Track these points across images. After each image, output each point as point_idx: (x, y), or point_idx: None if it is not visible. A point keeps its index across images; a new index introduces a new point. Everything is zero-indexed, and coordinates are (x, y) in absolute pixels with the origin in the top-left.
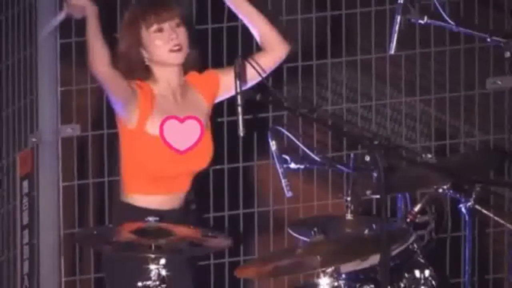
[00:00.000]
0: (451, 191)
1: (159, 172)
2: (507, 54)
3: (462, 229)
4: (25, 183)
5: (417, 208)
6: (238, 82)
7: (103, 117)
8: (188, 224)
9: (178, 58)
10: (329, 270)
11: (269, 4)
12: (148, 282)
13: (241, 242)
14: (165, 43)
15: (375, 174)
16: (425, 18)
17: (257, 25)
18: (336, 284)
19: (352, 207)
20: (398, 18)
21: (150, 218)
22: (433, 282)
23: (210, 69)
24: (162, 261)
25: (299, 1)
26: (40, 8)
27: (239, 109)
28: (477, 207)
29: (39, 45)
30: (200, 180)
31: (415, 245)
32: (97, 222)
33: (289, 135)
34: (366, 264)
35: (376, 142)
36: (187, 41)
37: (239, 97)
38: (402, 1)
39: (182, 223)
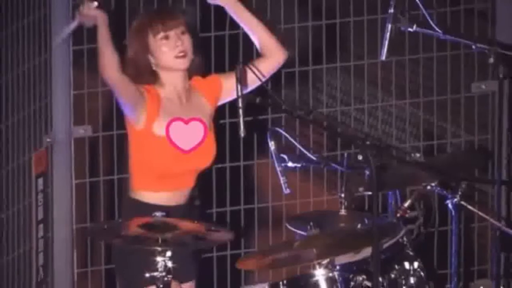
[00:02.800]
0: (438, 188)
1: (165, 170)
2: (491, 60)
3: (448, 224)
4: (40, 181)
5: (406, 204)
6: (239, 86)
7: (113, 119)
8: (192, 219)
9: (183, 63)
10: (325, 262)
11: (268, 13)
12: (155, 273)
13: (242, 236)
14: (171, 50)
15: (367, 172)
16: (414, 26)
17: (257, 33)
18: (330, 275)
19: (345, 203)
20: (389, 26)
21: (157, 213)
22: (422, 273)
23: (213, 74)
24: (168, 253)
25: (296, 11)
26: (54, 17)
27: (240, 111)
28: (463, 203)
29: (53, 51)
30: (203, 178)
31: (404, 239)
32: (107, 217)
33: (287, 135)
34: (359, 256)
35: (368, 142)
36: (191, 48)
37: (240, 100)
38: (392, 11)
39: (187, 218)
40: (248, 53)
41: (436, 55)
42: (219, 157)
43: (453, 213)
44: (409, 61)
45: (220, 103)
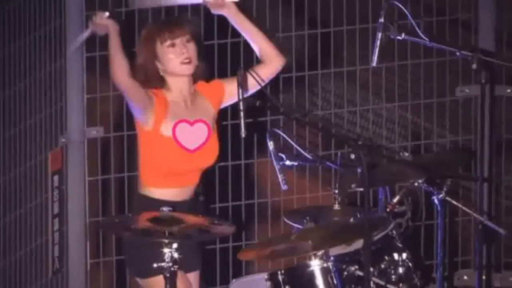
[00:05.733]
0: (425, 185)
1: (171, 168)
2: (474, 66)
3: (434, 218)
4: (56, 178)
5: (395, 199)
6: (240, 90)
7: (124, 120)
8: (197, 213)
9: (189, 69)
10: (319, 253)
11: (267, 23)
12: (163, 264)
13: (243, 229)
14: (177, 56)
15: (359, 170)
16: (403, 35)
17: (257, 41)
18: (325, 265)
19: (339, 199)
20: (379, 34)
21: (164, 208)
22: (410, 264)
23: (216, 79)
24: (175, 245)
25: (293, 20)
26: (69, 26)
27: (241, 113)
28: (448, 198)
29: (68, 58)
30: (207, 175)
31: (393, 232)
32: (118, 212)
33: (285, 136)
34: (351, 248)
35: (360, 142)
36: (196, 55)
37: (241, 103)
38: (383, 20)
39: (192, 212)
40: (249, 59)
41: (423, 61)
42: (222, 156)
43: (438, 208)
44: (398, 67)
45: (222, 106)
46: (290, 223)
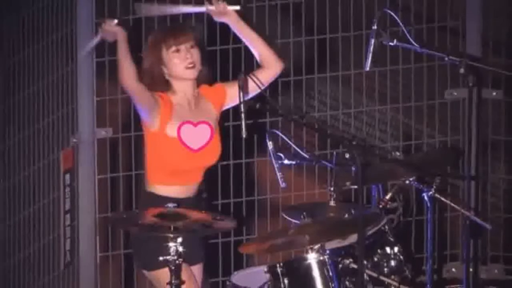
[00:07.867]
0: (415, 183)
1: (176, 167)
2: (462, 71)
3: (424, 214)
4: (67, 176)
5: (388, 196)
6: (241, 93)
7: (131, 122)
8: (200, 209)
9: (192, 73)
10: (316, 247)
11: (266, 29)
12: (168, 257)
13: (243, 224)
14: (181, 61)
15: (353, 169)
16: (395, 41)
17: (257, 47)
18: (321, 258)
19: (334, 196)
20: (372, 41)
21: (170, 204)
22: (401, 257)
23: (218, 83)
24: (179, 239)
25: (291, 27)
26: (79, 33)
27: (242, 115)
28: (437, 195)
29: (79, 62)
30: (210, 173)
31: (386, 227)
32: (126, 208)
33: (283, 136)
34: (346, 242)
35: (354, 143)
36: (199, 60)
37: (242, 106)
38: (376, 27)
39: (196, 209)
40: (249, 64)
41: (414, 66)
42: (224, 155)
43: (428, 204)
44: (390, 71)
45: (224, 108)
46: (288, 218)
